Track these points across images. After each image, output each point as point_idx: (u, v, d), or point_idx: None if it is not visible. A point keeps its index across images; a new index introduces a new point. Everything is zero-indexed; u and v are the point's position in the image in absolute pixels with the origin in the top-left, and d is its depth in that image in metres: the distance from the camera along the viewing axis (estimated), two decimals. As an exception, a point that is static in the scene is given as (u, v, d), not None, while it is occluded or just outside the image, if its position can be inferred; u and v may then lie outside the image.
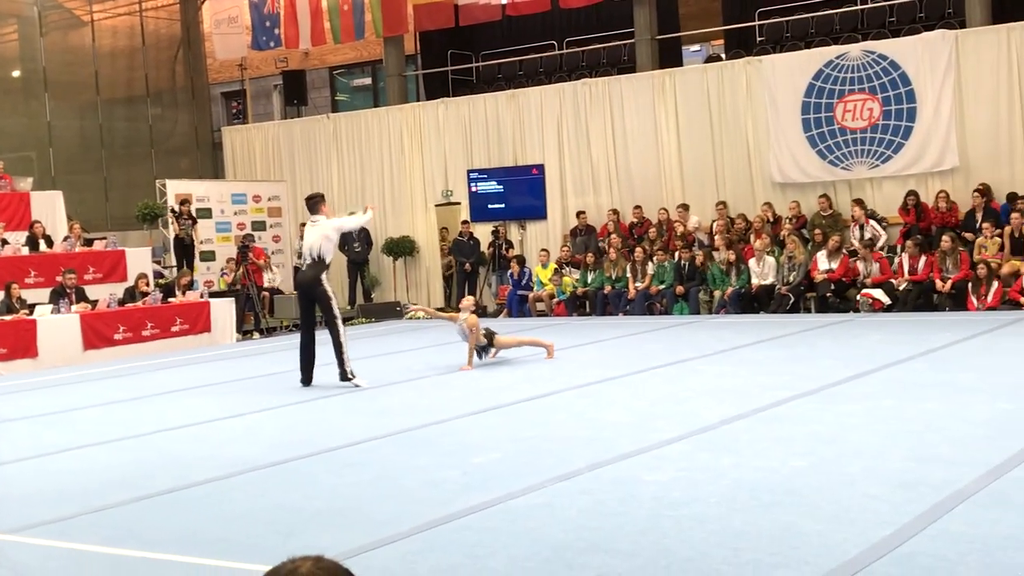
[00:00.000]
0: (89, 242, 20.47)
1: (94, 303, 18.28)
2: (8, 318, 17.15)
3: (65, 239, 19.96)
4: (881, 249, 18.27)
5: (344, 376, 12.57)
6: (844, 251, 18.27)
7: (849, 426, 8.68)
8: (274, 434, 10.12)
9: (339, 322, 12.60)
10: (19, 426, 11.30)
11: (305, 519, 6.84)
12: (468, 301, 14.91)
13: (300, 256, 13.28)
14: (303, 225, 14.83)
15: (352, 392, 12.33)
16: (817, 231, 18.59)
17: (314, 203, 13.03)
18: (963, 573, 5.11)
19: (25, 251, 19.20)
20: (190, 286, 19.83)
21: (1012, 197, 17.91)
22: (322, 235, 12.66)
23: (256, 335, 20.89)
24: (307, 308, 12.97)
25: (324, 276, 12.66)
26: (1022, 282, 16.49)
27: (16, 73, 25.00)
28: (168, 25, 27.69)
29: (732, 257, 18.79)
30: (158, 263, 22.13)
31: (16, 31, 25.34)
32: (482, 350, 14.08)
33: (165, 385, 13.69)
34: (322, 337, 12.97)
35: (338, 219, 13.39)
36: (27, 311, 17.47)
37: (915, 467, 7.16)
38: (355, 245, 23.28)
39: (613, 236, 20.50)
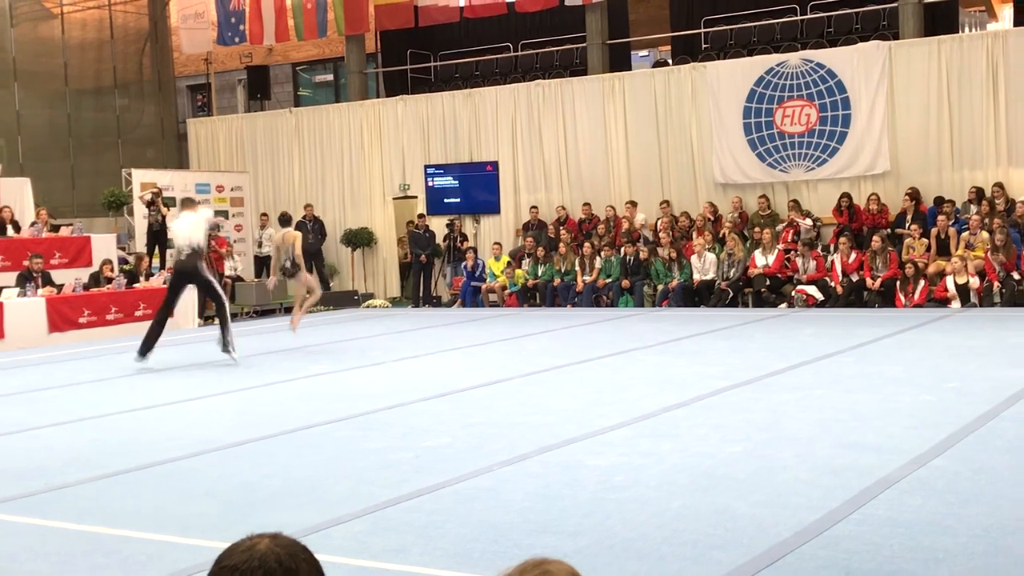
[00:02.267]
0: (56, 228, 20.19)
1: (60, 287, 18.04)
2: (-25, 300, 16.89)
3: (32, 224, 19.67)
4: (811, 239, 18.40)
5: (225, 348, 13.27)
6: (778, 247, 18.40)
7: (782, 415, 8.77)
8: (233, 416, 10.06)
9: (225, 301, 13.58)
10: (-16, 405, 11.14)
11: (263, 498, 6.80)
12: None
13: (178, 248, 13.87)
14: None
15: (310, 376, 12.28)
16: (756, 229, 18.71)
17: (190, 203, 14.00)
18: (887, 556, 5.18)
19: (-8, 236, 18.93)
20: (150, 272, 19.65)
21: (939, 201, 18.15)
22: (197, 230, 13.34)
23: (217, 320, 20.68)
24: (177, 292, 13.67)
25: (201, 263, 13.39)
26: (946, 281, 16.72)
27: (-14, 63, 24.59)
28: (136, 19, 27.34)
29: (674, 254, 18.88)
30: (123, 249, 21.86)
31: (-14, 21, 24.93)
32: (291, 273, 14.80)
33: (128, 367, 13.54)
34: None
35: (206, 228, 13.81)
36: (-6, 294, 17.21)
37: (843, 454, 7.25)
38: (309, 236, 23.14)
39: (563, 231, 20.53)
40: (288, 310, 16.31)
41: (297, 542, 1.84)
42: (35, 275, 17.82)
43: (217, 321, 13.53)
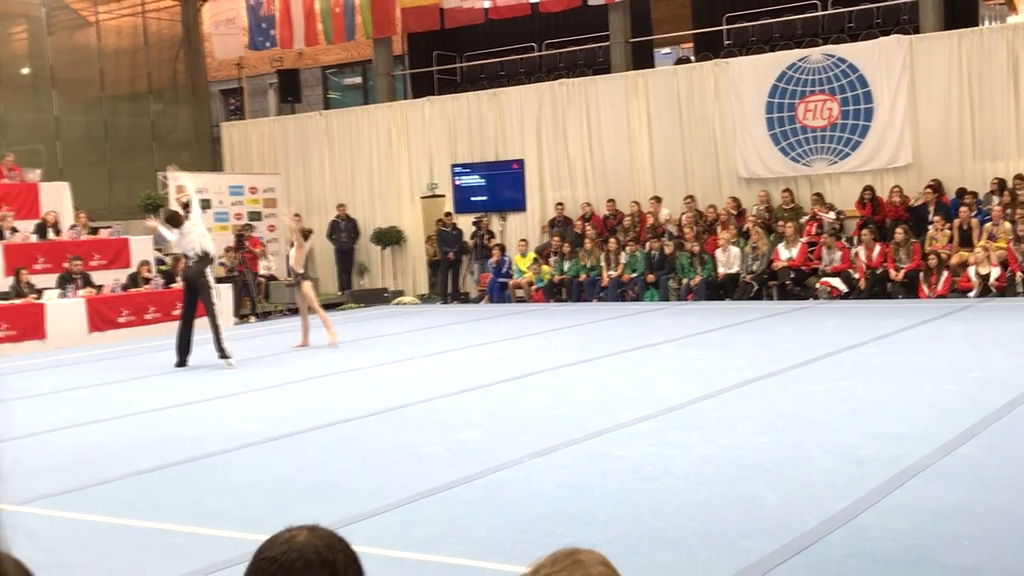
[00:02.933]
0: (94, 230, 20.34)
1: (99, 288, 18.18)
2: (18, 302, 17.05)
3: (72, 227, 19.83)
4: (836, 229, 18.28)
5: (222, 355, 13.16)
6: (802, 240, 18.29)
7: (807, 405, 8.72)
8: (269, 412, 10.10)
9: (216, 308, 13.27)
10: (27, 404, 11.24)
11: (299, 491, 6.83)
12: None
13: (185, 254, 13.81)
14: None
15: (343, 372, 12.33)
16: (780, 223, 18.61)
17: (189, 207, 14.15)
18: (913, 543, 5.15)
19: (34, 239, 19.07)
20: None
21: (961, 192, 17.98)
22: (204, 236, 13.50)
23: (252, 319, 20.79)
24: (191, 298, 13.56)
25: (208, 269, 13.36)
26: (969, 272, 16.57)
27: (25, 71, 24.80)
28: (170, 26, 27.50)
29: (696, 248, 18.81)
30: (160, 251, 22.00)
31: (25, 31, 25.13)
32: (294, 279, 14.86)
33: (166, 366, 13.64)
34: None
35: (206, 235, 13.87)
36: (36, 295, 17.36)
37: (869, 444, 7.20)
38: (342, 235, 23.23)
39: (588, 227, 20.50)
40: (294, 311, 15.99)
41: (335, 534, 1.85)
42: (75, 276, 17.97)
43: (210, 329, 13.33)
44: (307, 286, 15.12)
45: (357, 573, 1.81)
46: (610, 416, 8.64)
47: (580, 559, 1.31)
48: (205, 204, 22.24)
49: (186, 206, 20.44)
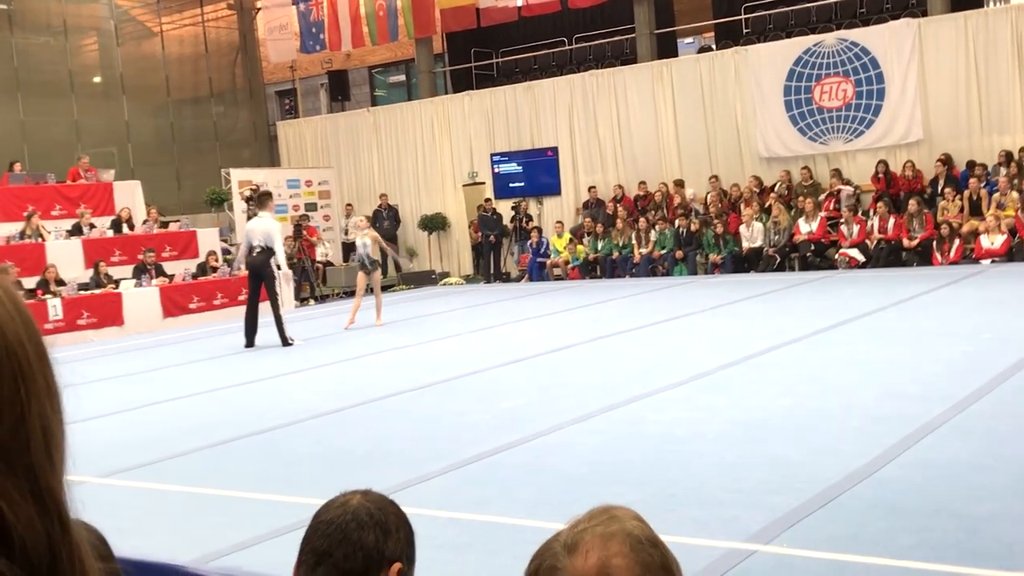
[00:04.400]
0: (165, 224, 20.53)
1: (171, 277, 18.37)
2: (98, 292, 17.26)
3: (144, 223, 20.03)
4: (853, 205, 18.06)
5: (284, 342, 13.23)
6: (821, 215, 18.09)
7: (829, 369, 8.65)
8: (329, 387, 10.17)
9: (280, 298, 13.45)
10: (109, 385, 11.39)
11: (358, 459, 6.88)
12: (361, 220, 15.73)
13: (249, 244, 13.59)
14: (251, 217, 15.05)
15: (395, 348, 12.37)
16: (800, 198, 18.44)
17: (264, 201, 13.77)
18: (931, 495, 5.10)
19: (110, 234, 19.28)
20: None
21: (971, 164, 17.70)
22: (270, 231, 13.26)
23: (311, 302, 20.93)
24: (255, 285, 13.48)
25: (272, 260, 13.24)
26: (980, 241, 16.32)
27: (97, 79, 25.02)
28: (227, 33, 27.63)
29: (720, 229, 18.65)
30: (225, 241, 22.17)
31: (96, 42, 25.34)
32: (371, 265, 14.85)
33: (234, 347, 13.76)
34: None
35: (276, 230, 13.56)
36: (113, 285, 17.57)
37: (888, 403, 7.13)
38: (384, 223, 23.28)
39: (619, 208, 20.40)
40: (348, 294, 15.92)
41: (385, 497, 1.85)
42: (149, 267, 18.16)
43: (272, 318, 13.41)
44: (379, 273, 15.48)
45: (407, 533, 1.81)
46: (644, 383, 8.61)
47: (615, 515, 1.30)
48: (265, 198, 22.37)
49: (250, 200, 20.70)
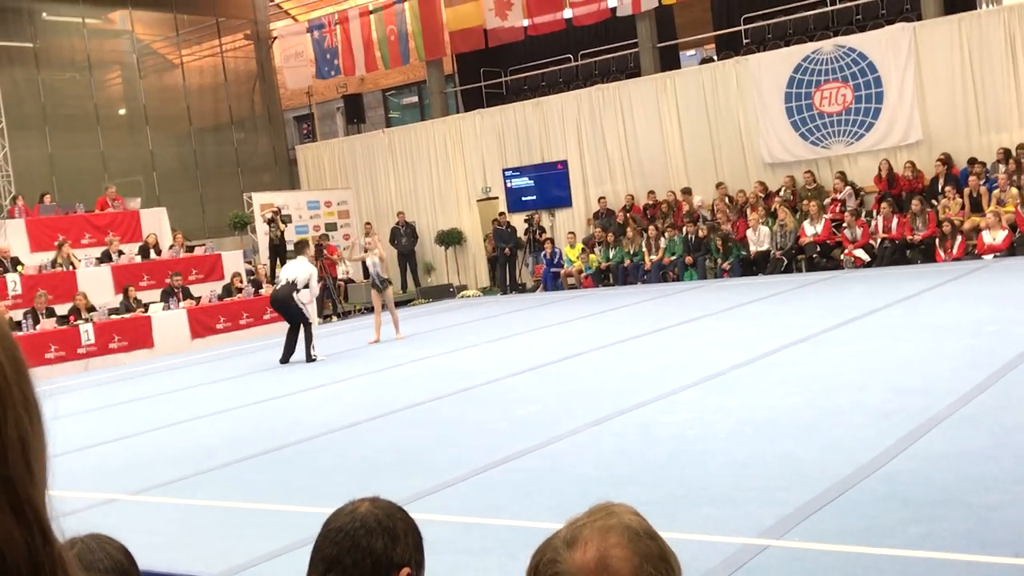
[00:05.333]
0: (191, 249, 20.62)
1: (198, 299, 18.43)
2: (127, 316, 17.34)
3: (171, 247, 20.12)
4: (856, 208, 17.97)
5: (309, 358, 13.54)
6: (825, 216, 18.00)
7: (837, 366, 8.58)
8: (350, 400, 10.17)
9: (311, 325, 13.95)
10: (140, 405, 11.43)
11: (380, 468, 6.86)
12: (369, 240, 16.04)
13: (275, 278, 14.18)
14: (292, 252, 15.39)
15: (414, 361, 12.37)
16: (805, 201, 18.35)
17: (301, 248, 14.61)
18: (940, 486, 5.04)
19: (138, 259, 19.38)
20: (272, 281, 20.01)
21: (971, 162, 17.59)
22: (300, 271, 13.81)
23: (334, 318, 20.97)
24: (283, 313, 14.00)
25: (294, 294, 13.65)
26: (983, 237, 16.20)
27: (122, 111, 25.18)
28: (245, 63, 27.77)
29: (728, 232, 18.58)
30: (249, 263, 22.24)
31: (120, 76, 25.52)
32: (380, 284, 15.03)
33: (261, 364, 13.80)
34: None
35: (309, 274, 13.98)
36: (143, 309, 17.64)
37: (894, 398, 7.07)
38: (402, 240, 23.33)
39: (629, 217, 20.36)
40: (395, 305, 16.07)
41: (393, 503, 1.83)
42: (176, 290, 18.23)
43: (303, 337, 13.80)
44: (391, 289, 15.62)
45: (416, 538, 1.79)
46: (656, 386, 8.57)
47: (613, 510, 1.30)
48: (287, 219, 22.48)
49: (271, 222, 20.86)
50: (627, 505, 1.41)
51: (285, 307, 13.81)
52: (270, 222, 21.66)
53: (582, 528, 1.25)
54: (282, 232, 21.88)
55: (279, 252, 21.89)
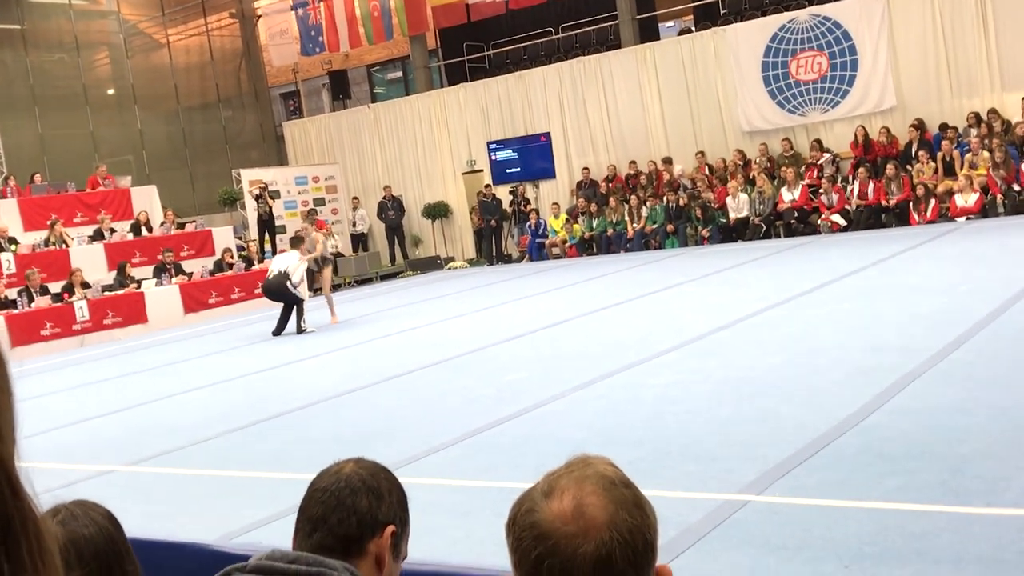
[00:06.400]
0: (181, 225, 20.50)
1: (190, 275, 18.35)
2: (121, 292, 17.25)
3: (162, 224, 20.00)
4: (832, 175, 17.97)
5: (299, 330, 13.47)
6: (803, 183, 18.00)
7: (815, 327, 8.61)
8: (341, 370, 10.15)
9: (303, 304, 13.80)
10: (136, 379, 11.40)
11: (371, 435, 6.86)
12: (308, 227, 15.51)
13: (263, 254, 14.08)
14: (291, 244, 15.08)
15: (404, 331, 12.35)
16: (782, 168, 18.34)
17: (296, 242, 14.26)
18: (916, 439, 5.07)
19: (130, 236, 19.26)
20: (262, 256, 19.92)
21: (943, 127, 17.59)
22: (291, 263, 13.68)
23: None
24: (279, 299, 13.89)
25: (288, 283, 13.55)
26: (955, 200, 16.23)
27: (110, 91, 24.94)
28: (231, 41, 27.51)
29: (711, 198, 18.57)
30: (239, 239, 22.14)
31: (107, 56, 25.26)
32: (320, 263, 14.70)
33: (252, 337, 13.76)
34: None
35: (301, 269, 13.85)
36: (136, 285, 17.56)
37: (871, 356, 7.09)
38: (390, 213, 23.24)
39: (611, 187, 20.31)
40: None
41: (377, 463, 1.81)
42: (168, 266, 18.14)
43: (295, 312, 13.77)
44: (329, 270, 15.42)
45: (400, 496, 1.78)
46: (640, 350, 8.59)
47: (589, 461, 1.30)
48: (275, 195, 22.36)
49: (259, 197, 20.71)
50: (603, 457, 1.40)
51: (279, 295, 13.75)
52: (258, 198, 21.55)
53: (559, 479, 1.26)
54: (271, 208, 21.78)
55: (268, 227, 21.80)
